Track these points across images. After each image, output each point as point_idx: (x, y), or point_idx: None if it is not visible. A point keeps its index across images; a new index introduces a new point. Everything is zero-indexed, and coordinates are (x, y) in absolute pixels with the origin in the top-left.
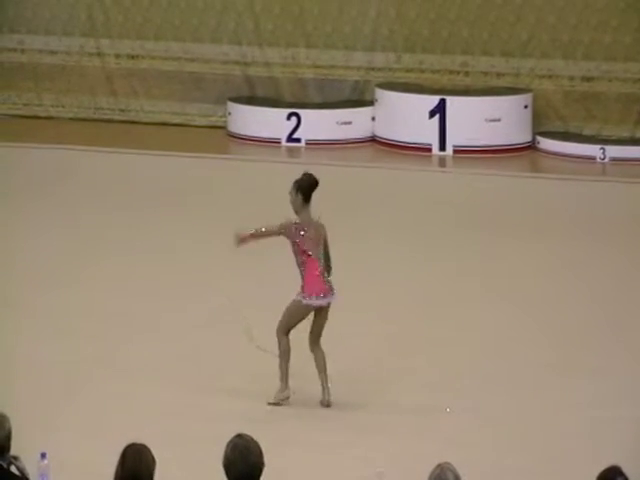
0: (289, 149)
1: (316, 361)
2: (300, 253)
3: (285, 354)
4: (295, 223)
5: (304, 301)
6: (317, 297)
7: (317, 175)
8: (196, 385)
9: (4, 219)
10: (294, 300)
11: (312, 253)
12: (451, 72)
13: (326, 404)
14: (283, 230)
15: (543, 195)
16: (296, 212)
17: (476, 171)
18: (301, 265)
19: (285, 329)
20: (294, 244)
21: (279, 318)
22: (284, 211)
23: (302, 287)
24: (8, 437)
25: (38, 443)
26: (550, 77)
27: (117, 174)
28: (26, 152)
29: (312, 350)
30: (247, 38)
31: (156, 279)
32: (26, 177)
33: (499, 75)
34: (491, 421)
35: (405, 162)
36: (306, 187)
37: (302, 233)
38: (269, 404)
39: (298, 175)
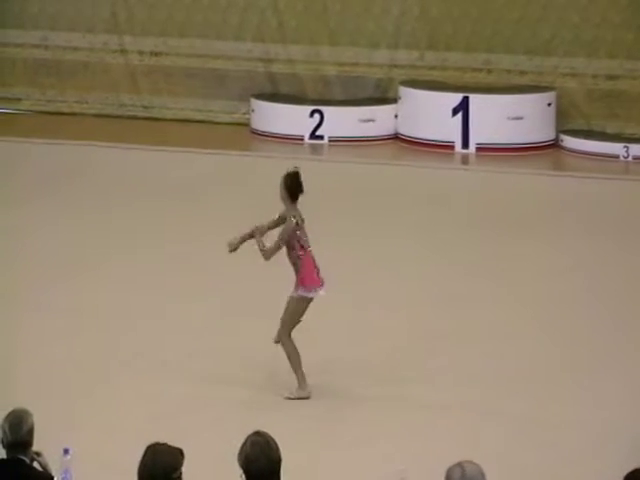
0: (312, 146)
1: (290, 353)
2: (299, 248)
3: (296, 355)
4: (295, 223)
5: (308, 294)
6: (316, 289)
7: (340, 172)
8: (213, 379)
9: (27, 214)
10: (293, 298)
11: (308, 246)
12: (474, 70)
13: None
14: (289, 233)
15: (566, 193)
16: (286, 207)
17: (499, 169)
18: (298, 259)
19: (289, 330)
20: (293, 238)
21: (277, 326)
22: (307, 207)
23: (300, 281)
24: (30, 432)
25: (60, 439)
26: (573, 75)
27: (140, 170)
28: (50, 148)
29: (280, 342)
30: (270, 35)
31: (175, 275)
32: (49, 173)
33: (522, 73)
34: (508, 419)
35: (428, 160)
36: (291, 186)
37: (299, 232)
38: (287, 398)
39: (321, 172)
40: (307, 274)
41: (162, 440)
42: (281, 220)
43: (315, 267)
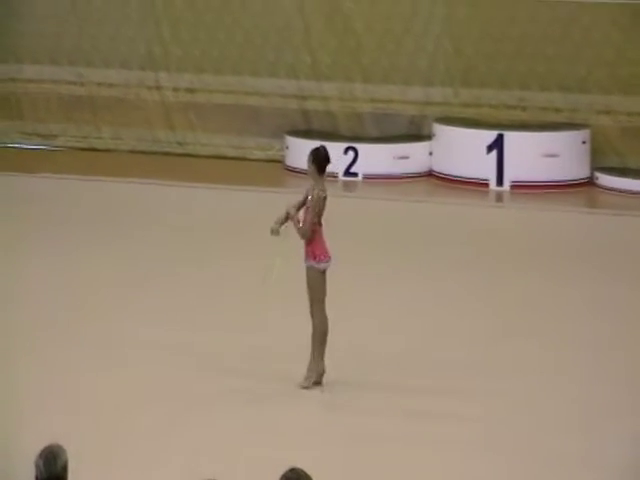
0: (346, 183)
1: (315, 327)
2: (318, 221)
3: (325, 335)
4: (324, 196)
5: (322, 266)
6: (326, 261)
7: (374, 209)
8: (250, 417)
9: (62, 250)
10: (310, 270)
11: (322, 220)
12: (508, 107)
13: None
14: (320, 204)
15: (601, 231)
16: (314, 181)
17: (533, 207)
18: (314, 232)
19: (322, 301)
20: (315, 210)
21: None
22: (342, 244)
23: (314, 253)
24: (65, 468)
25: (94, 474)
26: (608, 113)
27: (174, 207)
28: (84, 184)
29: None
30: (304, 72)
31: (210, 311)
32: (84, 209)
33: (557, 110)
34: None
35: (462, 197)
36: (319, 159)
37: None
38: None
39: (355, 209)
40: (321, 247)
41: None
42: (306, 197)
43: (325, 241)
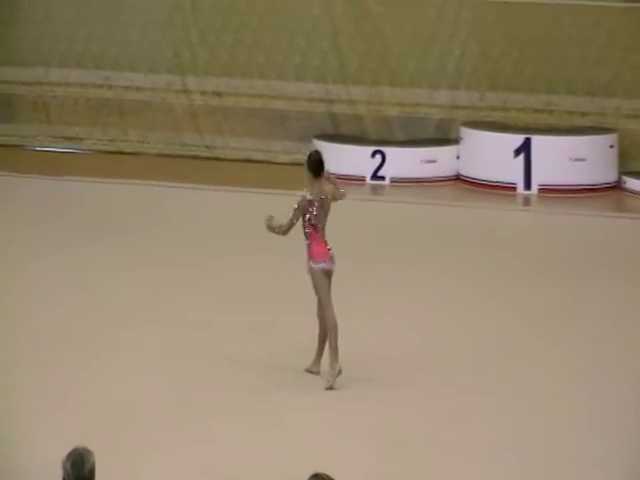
0: (373, 187)
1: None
2: (309, 226)
3: (335, 328)
4: (307, 200)
5: (316, 266)
6: (324, 261)
7: (401, 213)
8: (282, 426)
9: (89, 253)
10: (309, 270)
11: (320, 225)
12: (535, 111)
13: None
14: (299, 209)
15: (628, 235)
16: (310, 185)
17: (561, 210)
18: (308, 237)
19: (328, 298)
20: (304, 218)
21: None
22: (369, 247)
23: (309, 255)
24: (92, 472)
25: (121, 478)
26: (635, 117)
27: (201, 210)
28: (111, 187)
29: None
30: (332, 76)
31: (237, 316)
32: (111, 212)
33: (584, 114)
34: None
35: (490, 201)
36: (312, 164)
37: (311, 210)
38: (327, 389)
39: (382, 213)
40: (316, 249)
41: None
42: (299, 208)
43: (325, 245)
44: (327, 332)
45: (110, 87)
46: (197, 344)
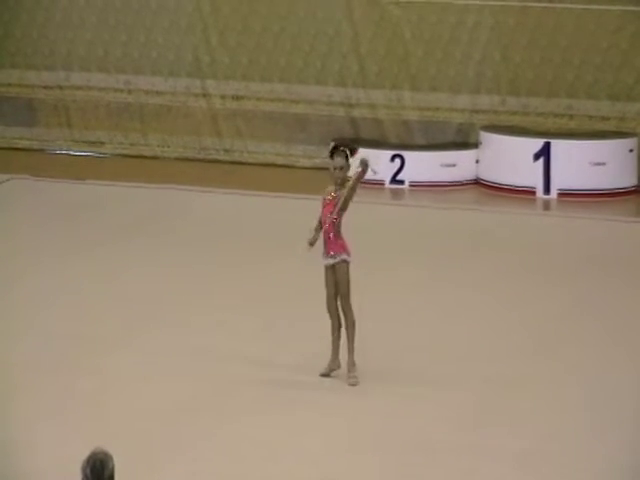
0: (392, 191)
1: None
2: (323, 222)
3: (354, 325)
4: (324, 199)
5: (324, 261)
6: (326, 257)
7: (420, 217)
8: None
9: (111, 258)
10: (342, 263)
11: (327, 222)
12: (556, 115)
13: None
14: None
15: None
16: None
17: (580, 215)
18: (323, 232)
19: (330, 297)
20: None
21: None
22: (388, 251)
23: (344, 249)
24: (112, 476)
25: None
26: None
27: (222, 214)
28: (131, 191)
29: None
30: (352, 80)
31: (261, 320)
32: (132, 216)
33: (604, 119)
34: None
35: (509, 205)
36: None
37: (321, 208)
38: (351, 385)
39: (401, 217)
40: (326, 245)
41: None
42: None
43: (329, 238)
44: (347, 326)
45: (130, 91)
46: (222, 347)
